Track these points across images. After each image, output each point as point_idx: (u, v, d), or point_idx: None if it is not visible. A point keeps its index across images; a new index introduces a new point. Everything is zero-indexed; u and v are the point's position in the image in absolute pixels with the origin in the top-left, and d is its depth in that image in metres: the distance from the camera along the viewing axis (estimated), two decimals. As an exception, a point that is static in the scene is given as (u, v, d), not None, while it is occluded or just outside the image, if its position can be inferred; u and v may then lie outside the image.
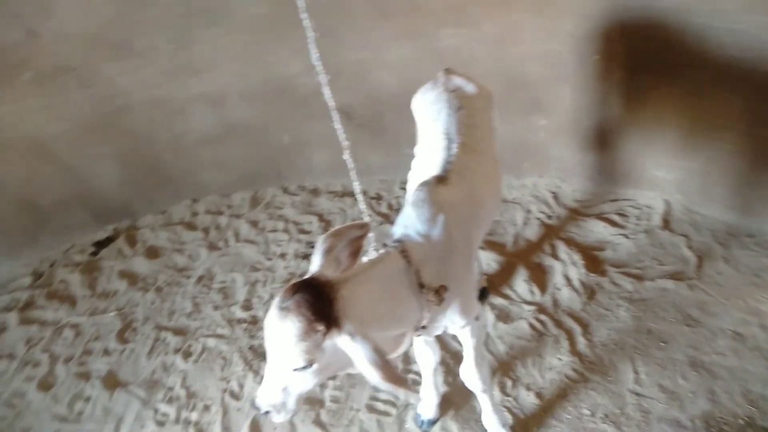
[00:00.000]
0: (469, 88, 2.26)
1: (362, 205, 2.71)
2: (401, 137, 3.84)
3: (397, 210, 3.78)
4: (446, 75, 2.32)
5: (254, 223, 4.02)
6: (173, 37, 3.50)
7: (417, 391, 2.39)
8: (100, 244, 4.17)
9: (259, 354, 2.97)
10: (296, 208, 4.07)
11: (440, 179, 1.86)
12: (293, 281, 1.44)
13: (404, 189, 3.94)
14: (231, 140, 4.02)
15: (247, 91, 3.78)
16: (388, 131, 3.85)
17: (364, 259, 1.69)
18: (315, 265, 1.55)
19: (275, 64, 3.63)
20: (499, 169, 2.27)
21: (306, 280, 1.43)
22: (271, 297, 3.34)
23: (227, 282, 3.57)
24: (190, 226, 4.14)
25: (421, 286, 1.61)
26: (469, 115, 2.13)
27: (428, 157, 2.08)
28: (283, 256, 3.66)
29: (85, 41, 3.50)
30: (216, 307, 3.37)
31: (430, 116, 2.20)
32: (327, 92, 2.24)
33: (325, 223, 3.86)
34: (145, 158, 4.04)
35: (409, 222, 1.72)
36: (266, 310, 3.25)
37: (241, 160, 4.14)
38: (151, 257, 3.93)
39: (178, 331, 3.25)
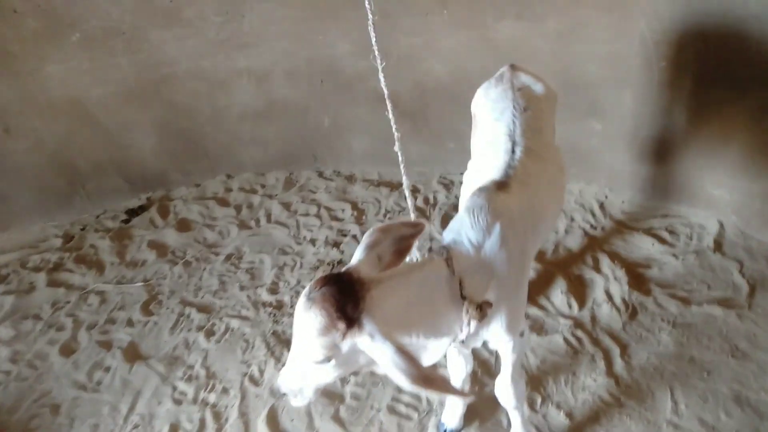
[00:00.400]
0: (537, 87, 2.11)
1: (410, 202, 2.59)
2: (445, 130, 3.72)
3: (434, 205, 3.67)
4: (512, 71, 2.18)
5: (287, 206, 3.95)
6: (223, 9, 3.43)
7: (465, 394, 2.24)
8: (133, 212, 4.17)
9: (282, 340, 2.90)
10: (330, 194, 3.98)
11: (500, 185, 1.74)
12: (326, 272, 1.38)
13: (443, 183, 3.83)
14: (271, 118, 3.95)
15: (292, 69, 3.69)
16: (432, 122, 3.72)
17: (407, 259, 1.59)
18: (355, 258, 1.48)
19: (323, 43, 3.52)
20: (564, 178, 2.13)
21: (338, 273, 1.37)
22: (298, 283, 3.27)
23: (255, 263, 3.51)
24: (223, 202, 4.09)
25: (464, 298, 1.51)
26: (535, 118, 1.99)
27: (488, 159, 1.95)
28: (313, 241, 3.59)
29: (135, 6, 3.45)
30: (242, 288, 3.32)
31: (493, 115, 2.07)
32: (382, 80, 2.12)
33: (358, 211, 3.76)
34: (183, 130, 4.00)
35: (462, 228, 1.61)
36: (292, 296, 3.20)
37: (279, 139, 4.07)
38: (182, 230, 3.90)
39: (203, 308, 3.21)
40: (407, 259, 1.58)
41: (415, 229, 1.58)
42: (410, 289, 1.44)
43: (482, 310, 1.52)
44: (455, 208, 3.57)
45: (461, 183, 3.84)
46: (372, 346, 1.29)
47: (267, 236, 3.73)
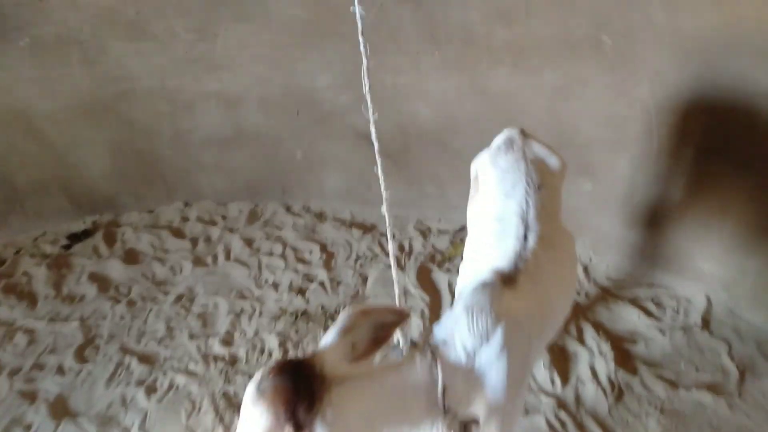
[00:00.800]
0: (552, 161, 1.89)
1: (393, 263, 2.33)
2: (425, 174, 3.51)
3: (409, 253, 3.42)
4: (523, 138, 1.95)
5: (249, 242, 3.63)
6: (196, 26, 3.13)
7: None
8: (76, 237, 3.76)
9: (234, 404, 2.58)
10: (297, 232, 3.69)
11: (508, 280, 1.50)
12: (283, 359, 1.18)
13: (419, 229, 3.59)
14: (238, 145, 3.64)
15: (266, 97, 3.41)
16: (412, 165, 3.50)
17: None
18: (325, 341, 1.25)
19: (302, 73, 3.26)
20: (576, 270, 1.89)
21: (298, 362, 1.17)
22: (256, 334, 2.95)
23: (209, 307, 3.17)
24: (178, 233, 3.74)
25: (446, 412, 1.26)
26: (549, 198, 1.77)
27: (493, 240, 1.71)
28: (275, 286, 3.28)
29: (96, 14, 3.12)
30: (192, 336, 2.97)
31: (502, 187, 1.83)
32: (373, 132, 1.88)
33: (327, 254, 3.48)
34: (139, 150, 3.64)
35: (457, 330, 1.36)
36: (248, 350, 2.88)
37: (246, 168, 3.76)
38: (128, 262, 3.53)
39: (145, 359, 2.85)
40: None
41: (399, 317, 1.36)
42: (381, 394, 1.21)
43: (468, 430, 1.28)
44: (432, 258, 3.34)
45: (439, 231, 3.67)
46: None
47: (224, 276, 3.39)
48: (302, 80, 3.29)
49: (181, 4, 3.01)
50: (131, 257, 3.58)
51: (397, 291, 2.35)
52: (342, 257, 3.45)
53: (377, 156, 1.93)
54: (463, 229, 3.49)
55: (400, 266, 3.29)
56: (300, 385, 1.12)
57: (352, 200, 3.76)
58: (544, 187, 1.77)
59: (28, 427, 2.51)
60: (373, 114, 1.85)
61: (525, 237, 1.63)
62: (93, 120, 3.46)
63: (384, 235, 3.57)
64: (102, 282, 3.39)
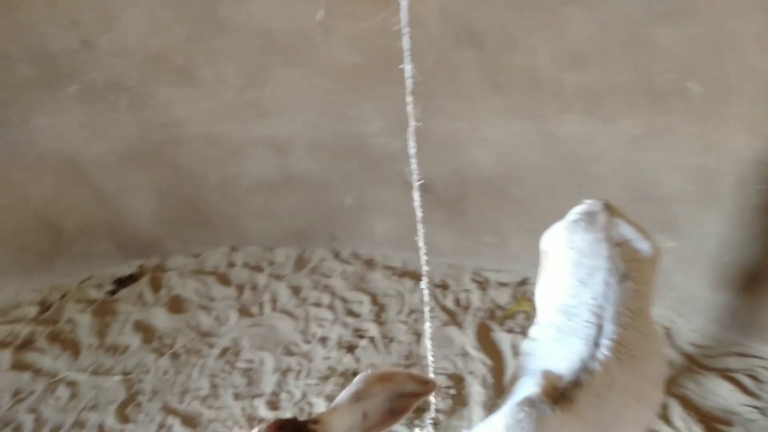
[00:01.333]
0: (643, 246, 1.58)
1: (427, 308, 2.10)
2: (483, 223, 3.28)
3: (466, 308, 3.17)
4: (608, 214, 1.66)
5: (296, 290, 3.46)
6: (245, 72, 3.02)
7: None
8: (121, 282, 3.68)
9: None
10: (346, 281, 3.50)
11: (562, 397, 1.21)
12: (283, 418, 1.05)
13: (477, 281, 3.34)
14: (286, 191, 3.51)
15: (316, 143, 3.26)
16: (469, 214, 3.27)
17: None
18: (333, 405, 1.10)
19: (354, 118, 3.10)
20: (661, 389, 1.52)
21: (297, 423, 1.04)
22: (303, 397, 2.76)
23: (255, 363, 3.01)
24: (224, 280, 3.61)
25: None
26: (636, 293, 1.46)
27: (556, 336, 1.42)
28: (323, 341, 3.09)
29: (145, 60, 3.05)
30: (237, 396, 2.81)
31: (576, 271, 1.53)
32: (414, 165, 1.73)
33: (378, 306, 3.27)
34: (186, 195, 3.55)
35: None
36: (295, 414, 2.69)
37: (294, 213, 3.62)
38: (173, 311, 3.41)
39: (188, 420, 2.70)
40: None
41: (424, 387, 1.16)
42: None
43: None
44: (492, 315, 3.08)
45: (499, 284, 3.41)
46: None
47: (270, 328, 3.23)
48: (353, 125, 3.13)
49: (230, 50, 2.91)
50: (176, 305, 3.46)
51: (429, 345, 2.10)
52: (393, 310, 3.24)
53: (415, 190, 1.74)
54: (526, 282, 3.23)
55: (457, 323, 3.06)
56: None
57: (403, 247, 3.55)
58: (631, 278, 1.47)
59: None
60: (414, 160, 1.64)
61: (596, 342, 1.33)
62: (140, 165, 3.39)
63: (439, 286, 3.34)
64: (146, 332, 3.28)
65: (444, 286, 3.34)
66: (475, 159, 3.00)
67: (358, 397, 1.10)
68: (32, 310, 3.53)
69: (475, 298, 3.22)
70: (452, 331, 3.00)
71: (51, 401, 2.89)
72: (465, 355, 2.87)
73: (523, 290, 3.19)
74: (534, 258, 2.79)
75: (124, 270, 3.79)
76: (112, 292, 3.62)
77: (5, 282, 3.64)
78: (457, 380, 2.73)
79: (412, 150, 1.72)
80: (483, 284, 3.31)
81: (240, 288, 3.54)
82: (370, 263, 3.63)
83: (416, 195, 1.87)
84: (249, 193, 3.52)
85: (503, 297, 3.19)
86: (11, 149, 3.19)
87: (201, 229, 3.70)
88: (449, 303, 3.22)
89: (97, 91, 3.12)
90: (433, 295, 3.25)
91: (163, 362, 3.07)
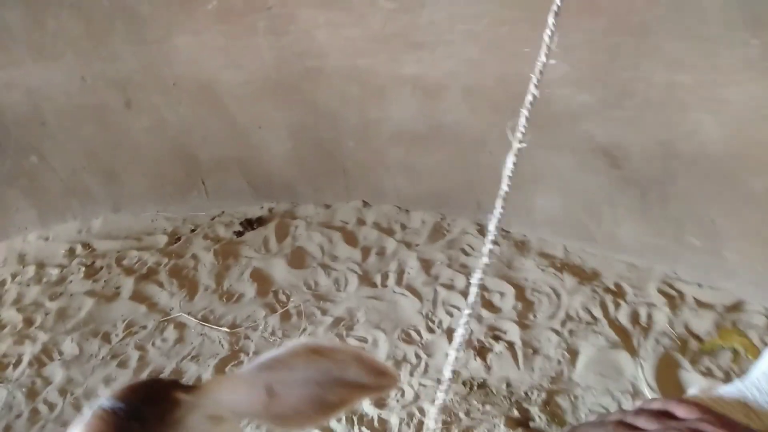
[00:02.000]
0: None
1: (475, 284, 1.35)
2: (691, 217, 2.40)
3: (646, 329, 2.36)
4: None
5: (427, 265, 2.92)
6: (398, -8, 2.44)
7: None
8: (250, 224, 3.46)
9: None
10: (490, 264, 2.86)
11: None
12: (139, 380, 0.74)
13: (666, 294, 2.49)
14: (432, 144, 2.92)
15: (475, 87, 2.61)
16: (672, 202, 2.41)
17: None
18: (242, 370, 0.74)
19: (528, 59, 2.37)
20: None
21: (159, 387, 0.69)
22: (415, 399, 2.25)
23: (367, 343, 2.57)
24: (351, 239, 3.19)
25: None
26: None
27: None
28: (449, 332, 2.53)
29: (288, -25, 2.61)
30: (341, 380, 2.38)
31: None
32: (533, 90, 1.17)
33: (525, 304, 2.60)
34: (322, 138, 3.15)
35: None
36: (402, 420, 2.18)
37: (437, 171, 3.04)
38: (294, 264, 3.10)
39: (283, 396, 2.34)
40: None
41: (376, 380, 0.76)
42: None
43: None
44: (684, 345, 2.25)
45: (698, 303, 2.49)
46: None
47: (392, 305, 2.75)
48: (526, 69, 2.40)
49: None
50: (298, 259, 3.14)
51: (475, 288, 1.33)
52: (544, 312, 2.54)
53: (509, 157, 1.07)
54: (740, 308, 2.32)
55: (630, 347, 2.28)
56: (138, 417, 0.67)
57: (568, 233, 2.82)
58: None
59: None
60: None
61: None
62: (277, 99, 3.04)
63: (610, 291, 2.56)
64: (263, 283, 3.02)
65: (618, 293, 2.55)
66: (698, 128, 2.12)
67: (269, 366, 0.74)
68: (162, 240, 3.47)
69: (661, 317, 2.39)
70: (621, 356, 2.24)
71: (158, 341, 2.76)
72: (636, 394, 2.11)
73: (734, 318, 2.29)
74: (759, 275, 1.91)
75: (255, 211, 3.56)
76: (239, 233, 3.41)
77: (143, 208, 3.62)
78: (621, 428, 1.99)
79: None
80: (675, 300, 2.45)
81: (366, 251, 3.10)
82: (522, 246, 2.94)
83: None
84: (389, 142, 3.00)
85: (703, 323, 2.31)
86: (149, 70, 3.03)
87: (334, 178, 3.30)
88: (622, 317, 2.43)
89: (236, 11, 2.78)
90: (602, 304, 2.51)
91: (273, 320, 2.77)
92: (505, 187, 1.34)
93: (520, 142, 1.36)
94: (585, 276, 2.68)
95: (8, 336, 2.93)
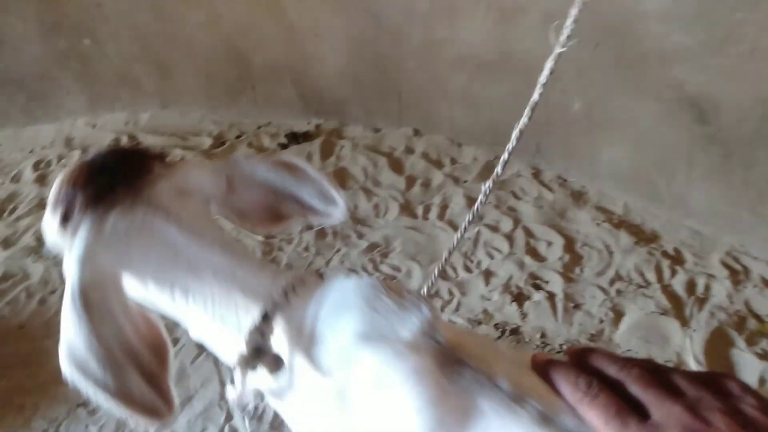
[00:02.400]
0: None
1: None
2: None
3: (702, 300, 2.18)
4: None
5: (473, 203, 2.75)
6: None
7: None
8: (295, 137, 3.35)
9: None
10: (540, 210, 2.69)
11: None
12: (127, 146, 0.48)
13: (729, 267, 2.29)
14: (499, 74, 2.71)
15: (556, 12, 2.34)
16: (758, 168, 2.16)
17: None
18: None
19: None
20: None
21: (142, 157, 0.77)
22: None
23: (401, 272, 2.48)
24: (396, 166, 3.06)
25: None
26: None
27: None
28: (488, 276, 2.41)
29: None
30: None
31: None
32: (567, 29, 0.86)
33: (573, 257, 2.44)
34: (380, 55, 2.96)
35: None
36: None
37: (498, 105, 2.82)
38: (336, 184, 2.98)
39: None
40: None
41: (326, 208, 0.84)
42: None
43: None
44: (741, 323, 2.07)
45: (765, 281, 2.31)
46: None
47: (430, 238, 2.64)
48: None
49: None
50: (340, 179, 3.03)
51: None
52: (592, 268, 2.38)
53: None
54: (811, 294, 2.11)
55: (681, 317, 2.11)
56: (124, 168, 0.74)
57: (632, 188, 2.60)
58: None
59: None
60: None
61: None
62: (338, 6, 2.83)
63: (669, 256, 2.37)
64: (301, 199, 2.93)
65: (676, 259, 2.36)
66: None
67: (236, 161, 0.82)
68: (207, 142, 3.41)
69: (720, 290, 2.20)
70: (670, 324, 2.08)
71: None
72: (680, 365, 1.96)
73: (803, 304, 2.09)
74: None
75: (302, 126, 3.45)
76: (284, 146, 3.32)
77: (192, 108, 3.55)
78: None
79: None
80: (738, 275, 2.25)
81: (411, 181, 2.96)
82: (578, 197, 2.75)
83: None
84: (452, 67, 2.79)
85: (767, 303, 2.12)
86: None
87: (387, 101, 3.12)
88: (677, 285, 2.25)
89: None
90: (657, 267, 2.32)
91: (307, 236, 2.70)
92: (536, 96, 1.05)
93: (563, 46, 1.05)
94: (643, 236, 2.49)
95: (50, 215, 2.97)
